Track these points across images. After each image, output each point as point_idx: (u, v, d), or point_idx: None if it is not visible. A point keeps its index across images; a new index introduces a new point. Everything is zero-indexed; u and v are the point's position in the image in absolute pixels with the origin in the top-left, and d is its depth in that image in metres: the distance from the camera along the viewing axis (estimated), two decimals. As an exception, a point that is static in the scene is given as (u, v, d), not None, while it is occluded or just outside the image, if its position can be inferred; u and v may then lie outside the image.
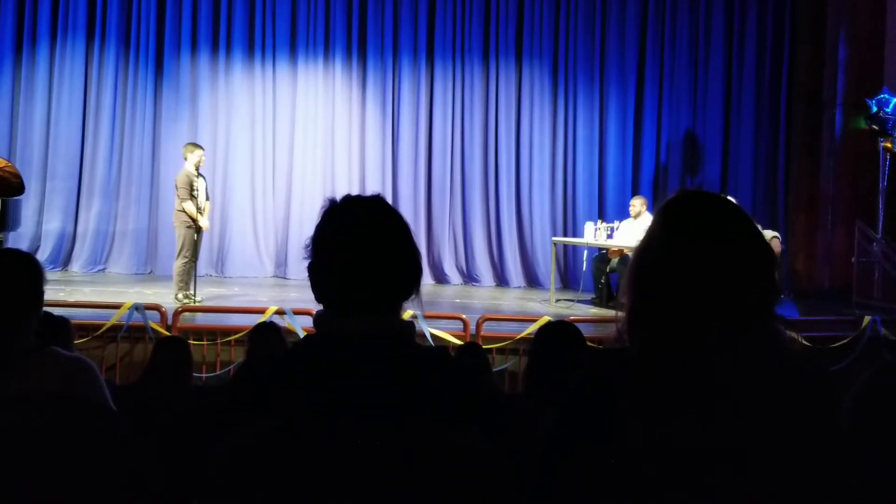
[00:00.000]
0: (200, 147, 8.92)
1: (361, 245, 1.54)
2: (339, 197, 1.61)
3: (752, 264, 1.43)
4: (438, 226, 11.56)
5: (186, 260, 8.59)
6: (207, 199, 8.92)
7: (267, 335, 4.60)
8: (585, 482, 1.40)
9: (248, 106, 11.36)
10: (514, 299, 10.33)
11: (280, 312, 7.07)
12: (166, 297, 8.53)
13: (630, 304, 1.48)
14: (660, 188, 11.53)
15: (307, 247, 1.59)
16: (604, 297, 9.59)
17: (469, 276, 11.55)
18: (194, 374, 5.12)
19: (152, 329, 6.86)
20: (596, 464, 1.39)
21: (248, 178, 11.35)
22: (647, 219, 9.03)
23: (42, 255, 10.65)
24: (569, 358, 3.15)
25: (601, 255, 9.88)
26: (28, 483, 1.89)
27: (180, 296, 8.50)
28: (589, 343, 3.50)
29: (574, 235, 11.03)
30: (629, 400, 1.39)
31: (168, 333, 6.67)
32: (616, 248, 9.48)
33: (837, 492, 1.43)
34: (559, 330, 3.45)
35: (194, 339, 6.77)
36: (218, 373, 6.73)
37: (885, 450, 1.73)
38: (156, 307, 7.17)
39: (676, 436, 1.35)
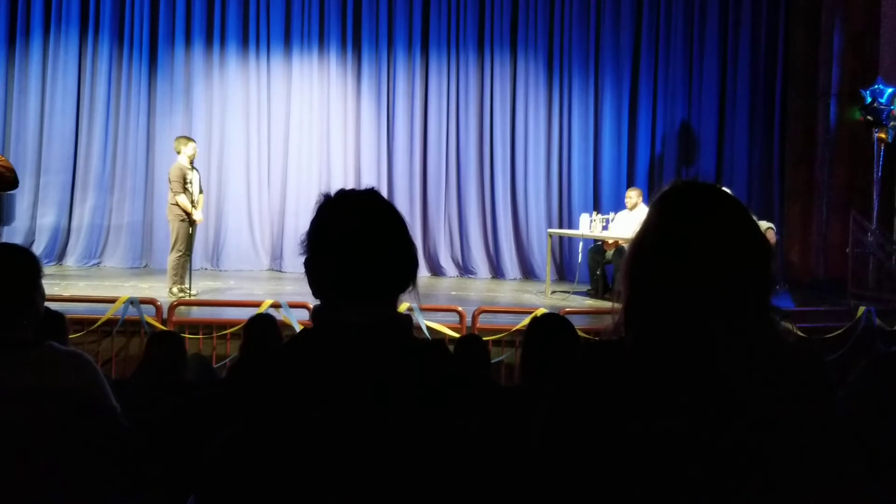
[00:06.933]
0: (192, 140, 8.91)
1: (356, 238, 1.54)
2: (333, 191, 1.61)
3: (748, 255, 1.43)
4: (434, 218, 11.56)
5: (180, 253, 8.59)
6: (201, 191, 8.93)
7: (262, 327, 4.59)
8: (579, 473, 1.40)
9: (242, 99, 11.35)
10: (510, 291, 10.34)
11: (276, 306, 7.06)
12: (162, 290, 8.53)
13: (626, 296, 1.48)
14: (655, 179, 11.54)
15: (303, 242, 1.59)
16: (599, 288, 9.61)
17: (465, 269, 11.56)
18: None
19: (148, 323, 6.85)
20: (590, 454, 1.39)
21: (244, 171, 11.34)
22: (642, 210, 9.05)
23: (37, 250, 10.64)
24: (560, 350, 3.17)
25: (597, 247, 9.89)
26: (25, 477, 1.89)
27: (175, 289, 8.50)
28: (585, 335, 3.52)
29: (569, 227, 11.03)
30: (624, 390, 1.39)
31: (163, 327, 6.66)
32: (612, 240, 9.50)
33: (833, 482, 1.43)
34: (550, 323, 3.46)
35: (190, 333, 6.77)
36: (215, 366, 6.72)
37: (879, 440, 1.73)
38: (151, 301, 7.16)
39: (672, 426, 1.35)
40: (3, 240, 8.96)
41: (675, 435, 1.35)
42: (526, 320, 7.02)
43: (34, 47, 11.04)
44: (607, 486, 1.37)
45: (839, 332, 7.83)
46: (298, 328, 6.51)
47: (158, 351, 4.13)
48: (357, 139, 11.49)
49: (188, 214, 8.56)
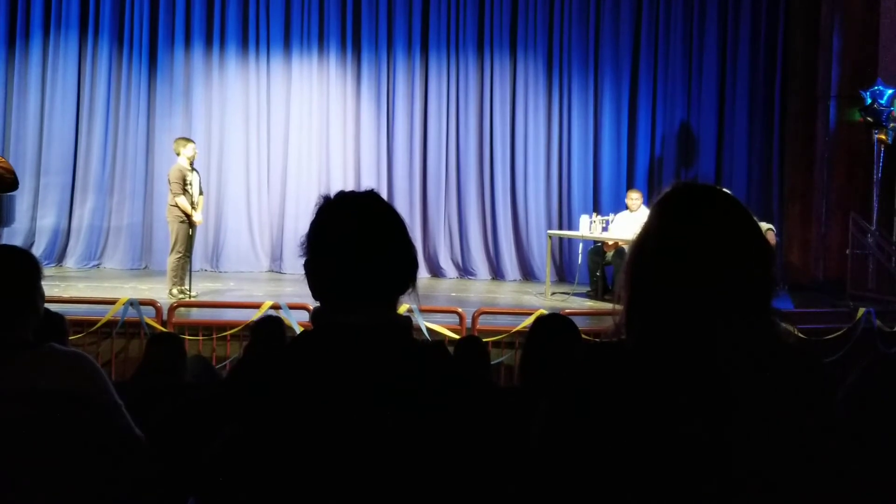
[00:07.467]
0: (192, 141, 8.91)
1: (356, 240, 1.54)
2: (332, 193, 1.61)
3: (749, 256, 1.43)
4: (434, 219, 11.56)
5: (180, 255, 8.59)
6: (201, 193, 8.94)
7: (269, 329, 4.58)
8: (579, 474, 1.40)
9: (242, 100, 11.34)
10: (510, 293, 10.34)
11: (276, 307, 7.06)
12: (161, 292, 8.53)
13: (627, 297, 1.48)
14: (654, 181, 11.53)
15: (303, 244, 1.59)
16: (599, 290, 9.61)
17: (465, 270, 11.55)
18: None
19: (147, 324, 6.85)
20: (590, 455, 1.39)
21: (243, 172, 11.34)
22: (644, 212, 9.05)
23: (37, 251, 10.63)
24: (561, 351, 3.16)
25: (596, 248, 9.89)
26: (28, 477, 1.89)
27: (175, 291, 8.50)
28: (585, 336, 3.51)
29: (569, 228, 11.03)
30: (624, 391, 1.39)
31: (163, 329, 6.66)
32: (612, 241, 9.50)
33: (832, 483, 1.43)
34: (553, 323, 3.45)
35: (190, 335, 6.77)
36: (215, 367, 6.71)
37: (878, 441, 1.74)
38: (151, 302, 7.16)
39: (672, 427, 1.35)
40: (3, 241, 8.96)
41: (675, 435, 1.35)
42: (526, 321, 7.04)
43: (34, 49, 11.04)
44: (607, 486, 1.37)
45: (839, 333, 7.83)
46: (298, 330, 6.51)
47: (158, 352, 4.13)
48: (357, 140, 11.49)
49: (188, 216, 8.56)
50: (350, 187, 1.61)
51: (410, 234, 1.60)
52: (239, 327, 6.88)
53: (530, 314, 7.27)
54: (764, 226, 9.25)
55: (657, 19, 11.66)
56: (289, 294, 8.43)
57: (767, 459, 1.34)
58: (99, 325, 6.86)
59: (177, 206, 8.51)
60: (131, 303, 6.97)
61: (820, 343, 7.53)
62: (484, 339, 5.83)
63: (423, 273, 10.99)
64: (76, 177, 11.10)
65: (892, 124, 9.85)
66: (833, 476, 1.44)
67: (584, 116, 11.66)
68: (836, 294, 9.66)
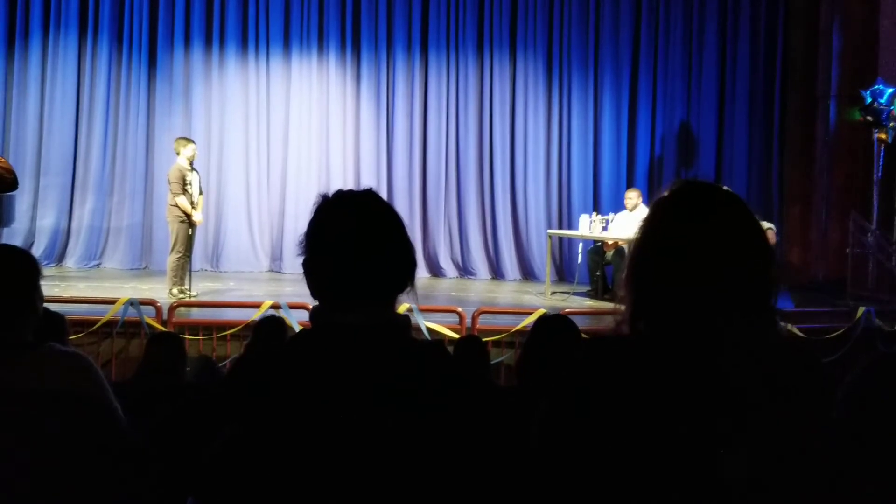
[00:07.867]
0: (192, 141, 8.92)
1: (354, 239, 1.54)
2: (331, 192, 1.61)
3: (749, 254, 1.43)
4: (433, 219, 11.56)
5: (180, 255, 8.59)
6: (201, 193, 8.94)
7: (271, 329, 4.58)
8: (579, 473, 1.40)
9: (242, 100, 11.35)
10: (510, 292, 10.34)
11: (276, 307, 7.06)
12: (161, 291, 8.53)
13: (628, 296, 1.48)
14: (654, 180, 11.54)
15: (301, 243, 1.59)
16: (599, 289, 9.61)
17: (464, 269, 11.55)
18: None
19: (148, 324, 6.85)
20: (590, 454, 1.39)
21: (243, 172, 11.35)
22: (642, 211, 9.04)
23: (37, 251, 10.64)
24: (563, 350, 3.16)
25: (596, 248, 9.89)
26: (27, 477, 1.89)
27: (175, 290, 8.50)
28: (585, 336, 3.51)
29: (569, 228, 11.03)
30: (624, 391, 1.39)
31: (163, 329, 6.66)
32: (612, 241, 9.50)
33: (832, 483, 1.43)
34: (554, 322, 3.45)
35: (190, 334, 6.77)
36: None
37: (877, 441, 1.73)
38: (151, 302, 7.16)
39: (672, 426, 1.35)
40: (3, 241, 8.96)
41: (674, 434, 1.34)
42: (526, 321, 7.05)
43: (33, 49, 11.04)
44: (607, 485, 1.37)
45: (839, 332, 7.83)
46: (298, 329, 6.51)
47: (158, 352, 4.13)
48: (356, 140, 11.49)
49: (188, 216, 8.57)
50: (350, 187, 1.59)
51: (410, 234, 1.60)
52: (239, 327, 6.88)
53: (530, 314, 7.28)
54: (764, 225, 9.19)
55: (657, 19, 11.66)
56: (289, 294, 8.43)
57: (767, 459, 1.34)
58: (99, 324, 6.86)
59: (177, 205, 8.52)
60: (131, 303, 6.98)
61: (820, 343, 7.53)
62: (484, 339, 5.84)
63: (422, 272, 10.99)
64: (76, 177, 11.11)
65: (892, 123, 9.85)
66: (833, 476, 1.44)
67: (584, 116, 11.66)
68: (836, 294, 9.65)
